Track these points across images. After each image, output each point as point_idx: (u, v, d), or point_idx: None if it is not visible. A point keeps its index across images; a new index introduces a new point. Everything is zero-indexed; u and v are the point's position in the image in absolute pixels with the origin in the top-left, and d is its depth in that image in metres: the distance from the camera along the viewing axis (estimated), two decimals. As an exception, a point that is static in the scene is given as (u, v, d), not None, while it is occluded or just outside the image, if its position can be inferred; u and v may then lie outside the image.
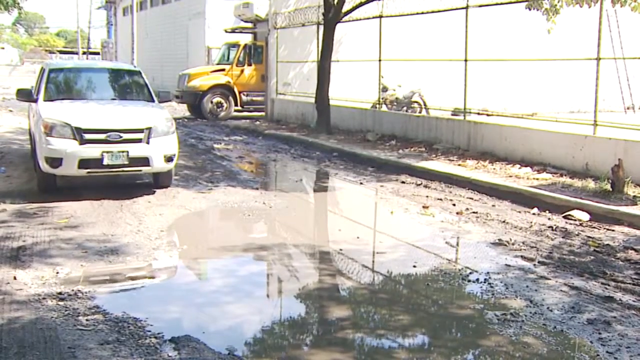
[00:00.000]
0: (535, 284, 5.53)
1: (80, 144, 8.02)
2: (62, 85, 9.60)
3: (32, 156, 9.88)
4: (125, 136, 8.20)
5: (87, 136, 8.05)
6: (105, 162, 8.09)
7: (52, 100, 8.98)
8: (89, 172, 8.22)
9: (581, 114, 14.80)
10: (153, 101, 9.67)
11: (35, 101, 9.12)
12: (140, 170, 8.68)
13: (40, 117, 8.38)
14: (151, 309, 4.82)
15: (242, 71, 21.27)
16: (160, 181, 9.03)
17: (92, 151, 8.03)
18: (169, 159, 8.60)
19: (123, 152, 8.14)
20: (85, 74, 10.02)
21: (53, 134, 8.05)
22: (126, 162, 8.21)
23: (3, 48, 69.55)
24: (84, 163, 8.05)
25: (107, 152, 8.06)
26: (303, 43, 19.75)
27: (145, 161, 8.36)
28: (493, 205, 8.64)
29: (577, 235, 7.14)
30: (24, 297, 4.89)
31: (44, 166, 8.12)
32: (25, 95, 9.38)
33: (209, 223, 7.95)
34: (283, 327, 4.68)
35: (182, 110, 22.68)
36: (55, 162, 8.03)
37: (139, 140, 8.30)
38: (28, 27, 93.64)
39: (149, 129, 8.38)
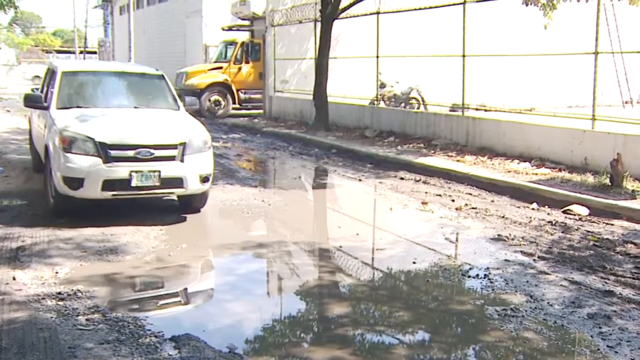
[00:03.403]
0: (535, 279, 5.53)
1: (105, 162, 6.78)
2: (77, 91, 8.34)
3: (36, 168, 9.54)
4: (157, 153, 6.96)
5: (113, 153, 6.82)
6: (133, 184, 6.86)
7: (66, 108, 7.77)
8: (114, 195, 6.98)
9: (579, 109, 14.83)
10: (178, 108, 8.46)
11: (47, 108, 7.88)
12: (172, 193, 7.41)
13: (55, 128, 7.17)
14: (151, 308, 4.81)
15: (239, 69, 21.25)
16: (192, 204, 7.74)
17: (119, 171, 6.81)
18: (205, 180, 7.36)
19: (154, 171, 6.92)
20: (102, 78, 8.81)
21: (73, 150, 6.84)
22: (157, 184, 6.98)
23: (0, 48, 69.39)
24: (109, 184, 6.82)
25: (136, 171, 6.85)
26: (300, 40, 19.73)
27: (178, 182, 7.12)
28: (492, 201, 8.63)
29: (577, 229, 7.14)
30: (23, 298, 4.88)
31: (61, 187, 6.91)
32: (35, 102, 8.17)
33: (208, 221, 7.94)
34: (283, 325, 4.68)
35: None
36: (75, 183, 6.82)
37: (172, 158, 7.06)
38: (25, 26, 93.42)
39: (183, 144, 7.12)
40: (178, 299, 5.07)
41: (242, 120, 19.65)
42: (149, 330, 4.35)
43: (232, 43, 21.94)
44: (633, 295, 5.17)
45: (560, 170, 9.77)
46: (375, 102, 16.11)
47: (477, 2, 12.43)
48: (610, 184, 8.51)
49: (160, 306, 4.89)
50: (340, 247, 6.61)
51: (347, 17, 15.96)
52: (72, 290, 5.04)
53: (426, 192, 9.16)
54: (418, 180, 10.05)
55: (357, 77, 17.42)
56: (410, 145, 12.84)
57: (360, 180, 10.31)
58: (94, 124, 7.20)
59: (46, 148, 7.50)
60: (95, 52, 56.09)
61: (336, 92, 16.73)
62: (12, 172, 10.06)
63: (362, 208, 8.97)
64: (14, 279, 5.27)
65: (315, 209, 9.09)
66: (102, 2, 51.35)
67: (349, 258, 6.32)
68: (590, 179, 8.95)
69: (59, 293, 4.96)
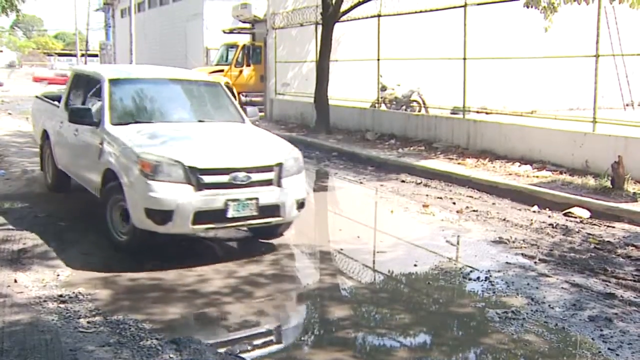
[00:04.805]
0: (536, 282, 5.53)
1: (197, 190, 5.73)
2: (130, 103, 7.21)
3: (57, 188, 8.60)
4: (254, 177, 5.95)
5: (206, 179, 5.76)
6: (229, 214, 5.83)
7: (124, 124, 6.63)
8: (208, 229, 6.09)
9: (580, 111, 14.81)
10: (244, 121, 7.49)
11: (97, 125, 6.71)
12: (269, 223, 6.30)
13: (127, 150, 6.05)
14: (152, 311, 4.81)
15: (240, 72, 21.25)
16: (277, 231, 6.76)
17: (213, 200, 5.77)
18: (301, 205, 6.42)
19: (252, 199, 5.91)
20: (155, 87, 7.59)
21: (158, 177, 5.70)
22: (255, 213, 5.96)
23: (1, 51, 69.57)
24: (201, 217, 5.76)
25: (233, 200, 5.81)
26: (301, 43, 19.75)
27: (276, 210, 6.12)
28: (493, 204, 8.63)
29: (578, 232, 7.14)
30: (24, 300, 4.88)
31: (143, 221, 5.80)
32: (82, 117, 6.85)
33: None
34: (284, 327, 4.68)
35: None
36: (163, 216, 5.70)
37: (269, 182, 6.08)
38: (26, 29, 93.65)
39: (280, 165, 6.17)
40: (178, 301, 5.07)
41: (243, 123, 19.62)
42: (150, 332, 4.35)
43: (233, 46, 21.96)
44: (634, 297, 5.17)
45: (561, 172, 9.77)
46: (377, 105, 16.12)
47: (477, 4, 12.45)
48: (611, 186, 8.51)
49: (160, 309, 4.88)
50: (341, 249, 6.61)
51: (348, 20, 15.97)
52: (74, 292, 5.04)
53: (427, 195, 9.17)
54: (419, 183, 10.05)
55: (358, 79, 17.43)
56: (412, 148, 12.84)
57: (361, 183, 10.31)
58: (174, 145, 6.08)
59: (105, 173, 6.35)
60: (96, 55, 56.28)
61: (337, 94, 16.74)
62: (13, 175, 10.07)
63: (363, 211, 8.97)
64: (15, 281, 5.27)
65: (316, 212, 9.08)
66: (104, 5, 51.51)
67: (350, 260, 6.33)
68: (591, 181, 8.95)
69: (60, 295, 4.97)
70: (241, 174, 5.87)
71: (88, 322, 4.48)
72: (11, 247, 6.26)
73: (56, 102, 8.60)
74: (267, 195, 6.02)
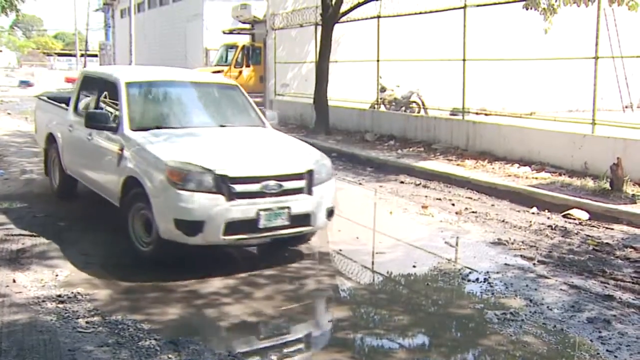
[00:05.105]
0: (534, 283, 5.54)
1: (229, 199, 5.52)
2: (149, 107, 7.01)
3: (63, 194, 8.31)
4: (286, 185, 5.75)
5: (238, 188, 5.56)
6: (261, 224, 5.63)
7: (144, 129, 6.37)
8: (238, 240, 5.77)
9: (579, 113, 14.82)
10: (264, 125, 7.25)
11: (115, 130, 6.46)
12: (300, 232, 6.17)
13: (153, 157, 5.80)
14: (150, 311, 4.81)
15: (240, 72, 21.27)
16: (304, 238, 6.58)
17: (245, 210, 5.55)
18: (331, 213, 6.28)
19: (284, 208, 5.72)
20: (173, 90, 7.32)
21: (188, 186, 5.47)
22: (286, 223, 5.76)
23: (1, 51, 69.52)
24: (232, 227, 5.54)
25: (265, 210, 5.62)
26: (301, 44, 19.76)
27: (306, 219, 5.93)
28: (492, 205, 8.64)
29: (577, 234, 7.14)
30: (23, 300, 4.88)
31: (171, 232, 5.54)
32: (99, 122, 6.57)
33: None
34: (282, 328, 4.68)
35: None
36: (193, 227, 5.48)
37: (300, 191, 5.88)
38: (26, 29, 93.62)
39: (310, 172, 5.97)
40: (177, 302, 5.07)
41: (243, 123, 19.61)
42: (149, 333, 4.35)
43: (233, 46, 21.97)
44: (632, 299, 5.17)
45: (560, 174, 9.77)
46: (376, 106, 16.12)
47: (477, 6, 12.46)
48: (610, 188, 8.52)
49: (159, 309, 4.88)
50: (340, 250, 6.61)
51: (347, 21, 15.98)
52: (72, 293, 5.04)
53: (426, 196, 9.17)
54: (418, 184, 10.05)
55: (357, 80, 17.44)
56: (411, 149, 12.84)
57: (360, 184, 10.32)
58: (202, 152, 5.87)
59: (126, 181, 6.08)
60: (96, 55, 56.30)
61: (337, 95, 16.75)
62: (12, 175, 10.07)
63: (362, 212, 8.97)
64: (14, 281, 5.27)
65: (316, 213, 9.08)
66: (104, 5, 51.54)
67: (348, 261, 6.33)
68: (590, 183, 8.96)
69: (59, 296, 4.97)
70: (273, 183, 5.67)
71: (87, 323, 4.48)
72: (10, 246, 6.26)
73: (63, 105, 8.31)
74: (298, 204, 5.83)
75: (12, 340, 4.18)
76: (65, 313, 4.64)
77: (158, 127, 6.48)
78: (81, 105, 7.80)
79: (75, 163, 7.77)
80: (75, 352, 4.03)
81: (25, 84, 40.64)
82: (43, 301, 4.86)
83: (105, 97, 7.24)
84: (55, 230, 6.87)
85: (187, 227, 5.48)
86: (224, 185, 5.50)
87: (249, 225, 5.61)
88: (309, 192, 5.93)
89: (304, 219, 5.92)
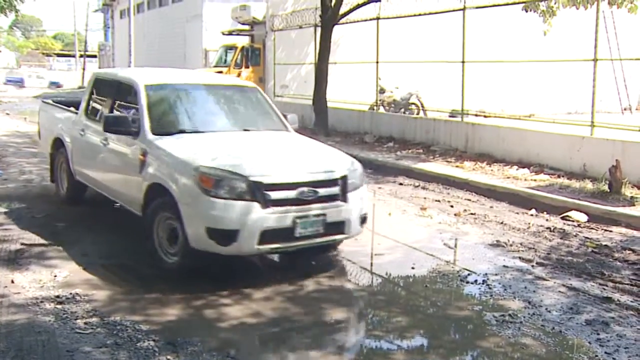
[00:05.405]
0: (533, 285, 5.54)
1: (264, 207, 5.29)
2: (170, 111, 6.71)
3: (70, 201, 8.05)
4: (321, 192, 5.56)
5: (273, 195, 5.34)
6: (297, 233, 5.43)
7: (167, 134, 6.12)
8: (273, 250, 5.63)
9: (578, 115, 14.85)
10: (287, 129, 7.05)
11: (136, 135, 6.19)
12: (334, 241, 6.05)
13: (181, 163, 5.56)
14: (149, 312, 4.81)
15: (239, 73, 21.26)
16: (329, 248, 6.39)
17: (281, 218, 5.34)
18: (364, 220, 6.09)
19: (320, 215, 5.53)
20: (194, 93, 7.03)
21: (221, 193, 5.25)
22: (322, 231, 5.58)
23: (0, 51, 69.49)
24: (268, 236, 5.31)
25: (301, 217, 5.41)
26: (300, 45, 19.78)
27: (340, 227, 5.75)
28: (491, 207, 8.65)
29: (575, 236, 7.15)
30: (21, 301, 4.88)
31: (203, 242, 5.30)
32: (120, 126, 6.31)
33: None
34: (280, 329, 4.67)
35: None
36: (227, 236, 5.24)
37: (335, 197, 5.69)
38: (25, 30, 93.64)
39: (344, 178, 5.79)
40: (175, 302, 5.06)
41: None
42: (147, 334, 4.35)
43: (232, 48, 21.98)
44: (631, 301, 5.18)
45: (559, 176, 9.79)
46: (375, 108, 16.14)
47: (476, 8, 12.47)
48: (608, 190, 8.53)
49: (158, 310, 4.87)
50: (339, 251, 6.60)
51: (347, 23, 16.00)
52: (71, 293, 5.04)
53: (425, 198, 9.18)
54: (417, 186, 10.06)
55: (356, 82, 17.47)
56: (410, 151, 12.85)
57: (359, 185, 10.31)
58: (233, 157, 5.62)
59: (149, 189, 5.82)
60: (95, 56, 56.30)
61: (336, 97, 16.76)
62: (11, 176, 10.06)
63: (361, 213, 8.96)
64: (12, 282, 5.27)
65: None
66: (103, 6, 51.53)
67: (347, 263, 6.32)
68: (589, 185, 8.97)
69: (58, 296, 4.96)
70: (308, 189, 5.47)
71: (85, 323, 4.48)
72: (9, 247, 6.25)
73: (72, 108, 8.06)
74: (334, 212, 5.65)
75: (10, 341, 4.17)
76: (64, 314, 4.63)
77: (182, 132, 6.23)
78: (92, 108, 7.56)
79: (87, 169, 7.46)
80: (74, 353, 4.02)
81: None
82: (41, 302, 4.86)
83: (120, 100, 7.03)
84: (54, 231, 6.86)
85: (221, 236, 5.23)
86: (258, 192, 5.27)
87: (285, 234, 5.39)
88: (344, 199, 5.74)
89: (338, 226, 5.74)
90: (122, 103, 6.98)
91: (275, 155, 5.95)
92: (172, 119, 6.57)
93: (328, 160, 6.05)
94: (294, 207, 5.40)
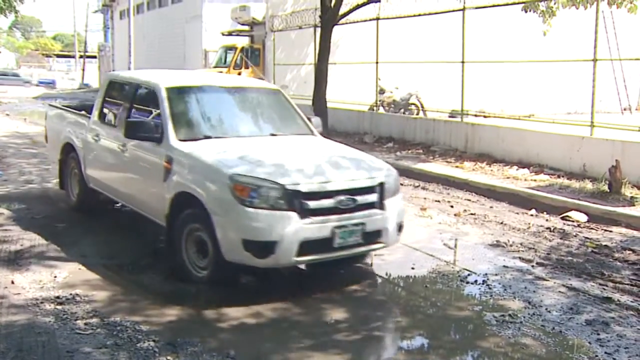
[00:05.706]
0: (533, 285, 5.54)
1: (302, 217, 5.04)
2: (194, 115, 6.37)
3: (76, 206, 7.78)
4: (359, 200, 5.32)
5: (312, 204, 5.09)
6: (336, 244, 5.18)
7: (193, 140, 5.81)
8: (311, 261, 5.35)
9: (578, 115, 14.86)
10: (313, 133, 6.82)
11: (159, 141, 5.86)
12: (373, 250, 5.87)
13: (212, 171, 5.26)
14: (149, 313, 4.81)
15: (239, 74, 21.25)
16: (362, 257, 6.17)
17: (320, 228, 5.09)
18: (400, 228, 5.83)
19: (359, 224, 5.29)
20: (217, 96, 6.71)
21: (257, 203, 4.97)
22: (360, 240, 5.35)
23: (0, 52, 69.48)
24: (307, 247, 5.06)
25: (340, 227, 5.16)
26: (300, 46, 19.79)
27: (379, 235, 5.52)
28: (491, 207, 8.65)
29: (575, 236, 7.15)
30: (21, 301, 4.87)
31: (239, 254, 5.04)
32: (144, 132, 5.93)
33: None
34: (280, 329, 4.67)
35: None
36: (265, 248, 4.97)
37: (372, 205, 5.44)
38: (25, 30, 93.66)
39: (381, 185, 5.54)
40: (175, 303, 5.06)
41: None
42: (147, 334, 4.35)
43: (232, 48, 21.98)
44: (631, 301, 5.18)
45: (558, 176, 9.79)
46: (375, 108, 16.14)
47: (476, 8, 12.48)
48: (608, 190, 8.53)
49: (157, 311, 4.87)
50: (339, 252, 6.59)
51: (346, 23, 16.00)
52: (71, 294, 5.04)
53: (425, 198, 9.17)
54: (417, 186, 10.06)
55: (356, 82, 17.48)
56: (409, 151, 12.85)
57: (359, 185, 10.31)
58: (266, 164, 5.30)
59: (176, 199, 5.50)
60: (95, 57, 56.26)
61: (336, 97, 16.76)
62: (11, 177, 10.06)
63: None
64: (12, 282, 5.27)
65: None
66: (103, 7, 51.50)
67: (347, 263, 6.31)
68: (588, 185, 8.97)
69: (58, 297, 4.96)
70: (346, 197, 5.22)
71: (85, 324, 4.48)
72: (9, 247, 6.25)
73: (83, 112, 7.72)
74: (372, 220, 5.40)
75: (10, 342, 4.17)
76: (64, 314, 4.63)
77: (208, 137, 5.89)
78: (107, 112, 7.29)
79: (102, 176, 7.09)
80: (74, 354, 4.02)
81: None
82: (41, 302, 4.86)
83: (138, 104, 6.80)
84: (54, 232, 6.85)
85: (258, 248, 4.97)
86: (296, 201, 5.01)
87: (324, 244, 5.14)
88: (381, 207, 5.50)
89: (376, 235, 5.51)
90: (141, 107, 6.76)
91: (309, 161, 5.54)
92: (197, 123, 6.21)
93: (365, 166, 5.77)
94: (332, 217, 5.15)
